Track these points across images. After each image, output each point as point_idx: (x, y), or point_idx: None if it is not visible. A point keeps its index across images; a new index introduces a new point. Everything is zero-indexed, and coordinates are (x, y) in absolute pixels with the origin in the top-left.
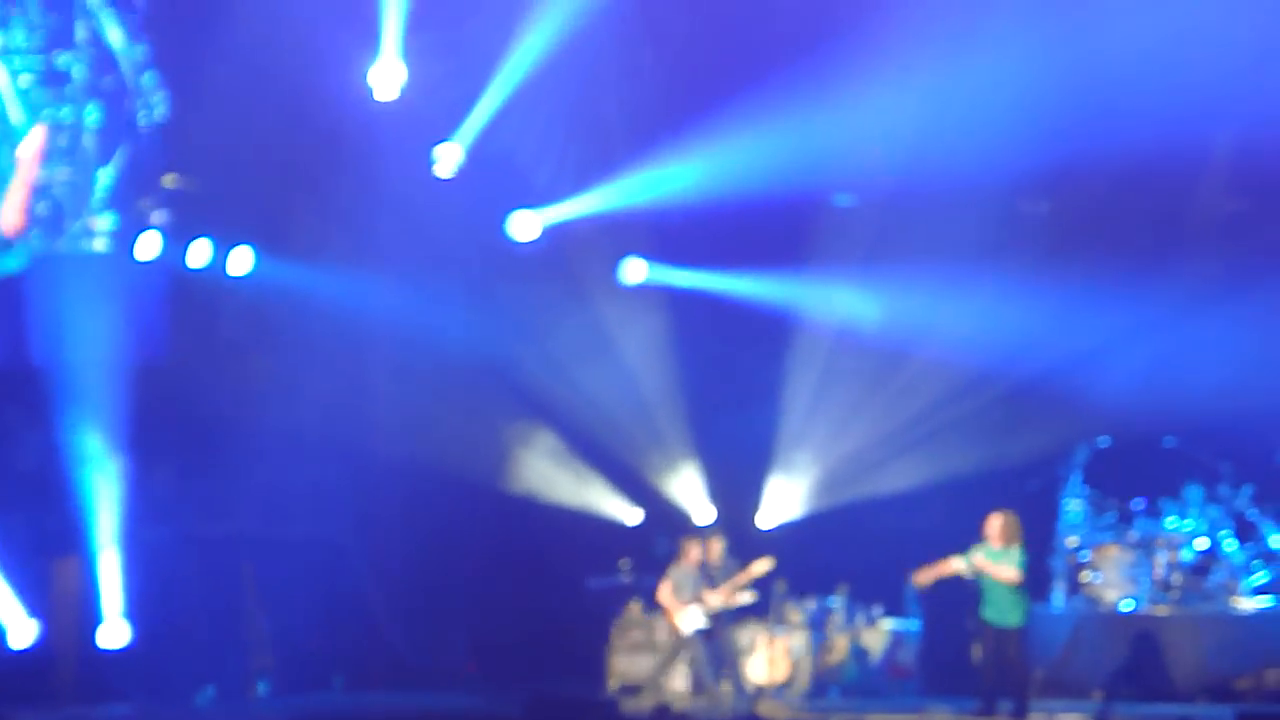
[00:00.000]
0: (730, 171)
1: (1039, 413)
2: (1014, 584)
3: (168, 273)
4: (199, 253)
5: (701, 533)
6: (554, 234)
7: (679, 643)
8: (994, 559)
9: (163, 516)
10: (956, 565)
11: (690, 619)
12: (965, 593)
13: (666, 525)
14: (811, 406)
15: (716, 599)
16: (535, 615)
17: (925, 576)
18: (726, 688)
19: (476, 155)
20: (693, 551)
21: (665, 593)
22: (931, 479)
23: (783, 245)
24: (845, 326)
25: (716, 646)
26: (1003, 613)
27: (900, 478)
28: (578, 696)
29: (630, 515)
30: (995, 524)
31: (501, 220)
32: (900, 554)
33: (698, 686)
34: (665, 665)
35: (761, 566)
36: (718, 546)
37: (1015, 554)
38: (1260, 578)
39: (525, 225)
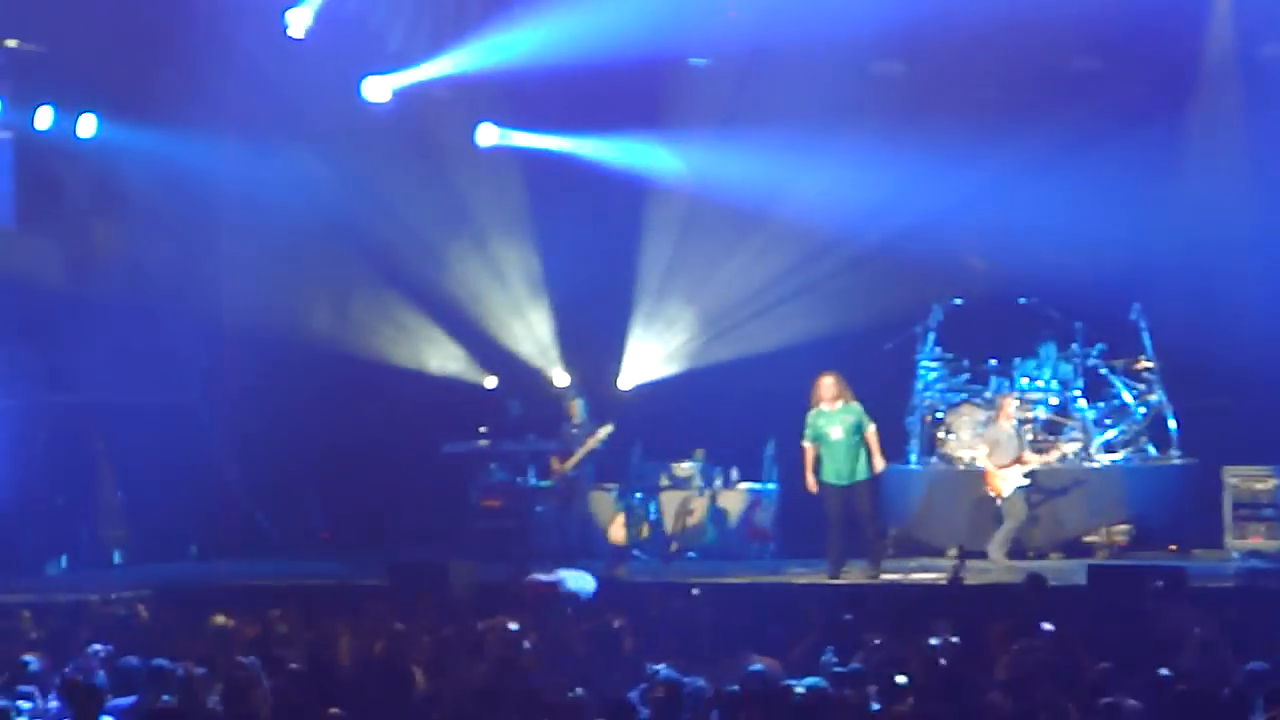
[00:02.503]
0: (585, 33)
1: (894, 274)
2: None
3: (11, 138)
4: (43, 118)
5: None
6: (407, 97)
7: (1001, 505)
8: (830, 421)
9: (9, 386)
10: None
11: (1011, 480)
12: None
13: (521, 389)
14: (668, 271)
15: (1035, 459)
16: (392, 481)
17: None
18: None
19: (328, 17)
20: (1008, 406)
21: (983, 455)
22: (787, 341)
23: (638, 107)
24: (700, 189)
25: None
26: (841, 472)
27: (757, 340)
28: (439, 561)
29: (486, 379)
30: (827, 385)
31: (355, 84)
32: (757, 417)
33: (1016, 549)
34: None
35: (604, 431)
36: (577, 407)
37: (853, 409)
38: (1112, 434)
39: (378, 89)
